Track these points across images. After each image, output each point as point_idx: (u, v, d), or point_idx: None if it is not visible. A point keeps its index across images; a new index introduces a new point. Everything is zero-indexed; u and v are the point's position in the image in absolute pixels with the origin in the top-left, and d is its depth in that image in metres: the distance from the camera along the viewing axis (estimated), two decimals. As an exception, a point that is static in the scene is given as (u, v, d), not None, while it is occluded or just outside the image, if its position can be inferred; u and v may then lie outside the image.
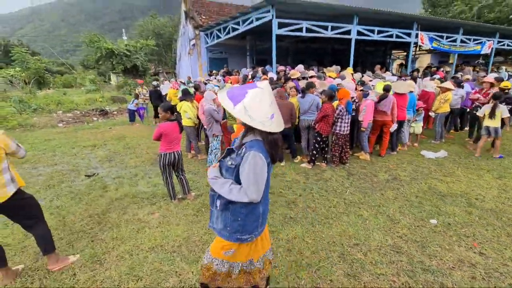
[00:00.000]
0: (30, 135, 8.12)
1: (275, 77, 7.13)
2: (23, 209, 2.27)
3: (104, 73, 28.05)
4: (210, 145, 4.93)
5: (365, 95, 5.24)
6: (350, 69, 8.41)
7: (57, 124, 9.68)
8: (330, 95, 4.75)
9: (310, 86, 5.25)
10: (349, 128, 4.99)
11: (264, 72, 7.46)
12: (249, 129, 1.48)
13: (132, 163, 5.53)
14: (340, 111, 4.68)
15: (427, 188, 4.18)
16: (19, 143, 2.34)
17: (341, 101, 4.74)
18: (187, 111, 5.38)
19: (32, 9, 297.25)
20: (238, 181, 1.48)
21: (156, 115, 9.58)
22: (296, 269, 2.40)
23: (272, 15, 7.15)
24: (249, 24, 8.45)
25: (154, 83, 9.53)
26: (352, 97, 5.24)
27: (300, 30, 7.67)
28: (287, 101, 5.11)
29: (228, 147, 1.56)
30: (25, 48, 17.19)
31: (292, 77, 6.93)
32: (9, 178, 2.18)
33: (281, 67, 7.52)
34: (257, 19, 7.98)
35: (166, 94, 9.26)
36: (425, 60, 23.28)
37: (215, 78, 9.94)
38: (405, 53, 20.26)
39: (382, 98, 5.11)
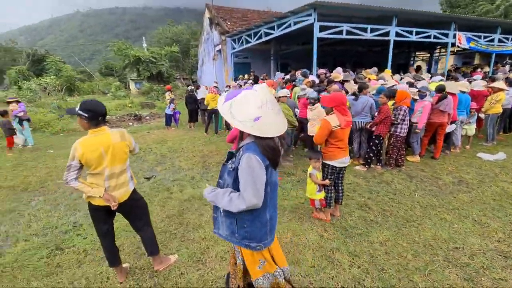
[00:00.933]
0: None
1: (316, 80, 7.11)
2: (138, 209, 2.31)
3: (123, 80, 28.95)
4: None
5: (422, 96, 5.13)
6: (388, 71, 8.28)
7: (96, 129, 9.98)
8: (390, 96, 4.68)
9: (363, 87, 5.20)
10: (407, 130, 4.89)
11: (305, 75, 7.44)
12: (244, 132, 1.43)
13: (184, 166, 5.60)
14: (405, 111, 4.59)
15: (501, 191, 4.02)
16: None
17: (404, 102, 4.65)
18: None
19: (51, 21, 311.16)
20: (237, 184, 1.44)
21: (191, 119, 9.74)
22: (405, 273, 2.34)
23: (314, 19, 7.17)
24: (286, 28, 8.51)
25: (189, 88, 9.71)
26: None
27: (340, 33, 7.64)
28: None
29: (229, 151, 1.53)
30: (58, 57, 17.91)
31: (334, 80, 6.89)
32: (130, 176, 2.24)
33: (322, 70, 7.49)
34: (295, 23, 8.03)
35: (201, 99, 9.43)
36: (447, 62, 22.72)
37: (246, 83, 10.03)
38: (428, 55, 19.82)
39: (442, 98, 4.99)
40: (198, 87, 10.76)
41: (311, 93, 4.77)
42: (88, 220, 3.31)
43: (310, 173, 3.23)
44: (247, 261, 1.62)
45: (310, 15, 7.32)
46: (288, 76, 8.52)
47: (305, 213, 3.48)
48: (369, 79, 7.57)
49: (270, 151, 1.39)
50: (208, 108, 8.49)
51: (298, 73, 8.70)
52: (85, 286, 2.32)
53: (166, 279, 2.33)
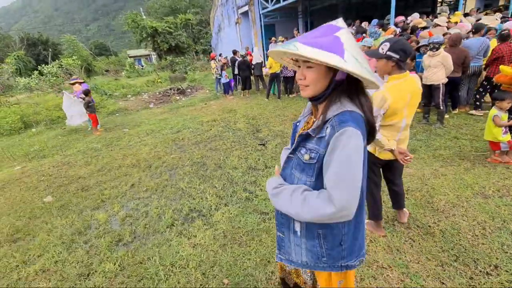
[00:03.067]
0: (137, 117, 8.22)
1: (397, 29, 6.73)
2: (399, 164, 2.25)
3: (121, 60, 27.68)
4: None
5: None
6: (459, 13, 7.86)
7: (149, 106, 9.73)
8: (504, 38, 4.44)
9: (480, 28, 4.91)
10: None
11: (382, 25, 7.04)
12: (336, 93, 0.93)
13: (288, 130, 5.51)
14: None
15: None
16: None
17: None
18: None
19: (23, 2, 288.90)
20: (321, 182, 0.94)
21: (245, 87, 9.44)
22: None
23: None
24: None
25: (242, 52, 9.24)
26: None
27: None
28: (461, 48, 4.82)
29: (301, 133, 0.99)
30: (73, 36, 16.78)
31: (418, 26, 6.52)
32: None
33: (401, 17, 7.04)
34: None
35: (256, 64, 9.04)
36: (468, 5, 21.56)
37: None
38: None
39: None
40: (235, 53, 10.25)
41: (436, 37, 4.50)
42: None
43: (493, 116, 3.15)
44: (321, 283, 1.21)
45: None
46: (352, 29, 8.05)
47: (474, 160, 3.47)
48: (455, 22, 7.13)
49: (372, 116, 0.97)
50: (270, 72, 8.17)
51: (366, 24, 8.24)
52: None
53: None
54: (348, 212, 0.86)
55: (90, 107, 6.79)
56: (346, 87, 0.93)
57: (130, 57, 41.18)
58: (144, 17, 25.04)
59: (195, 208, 3.13)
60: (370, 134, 0.97)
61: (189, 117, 7.53)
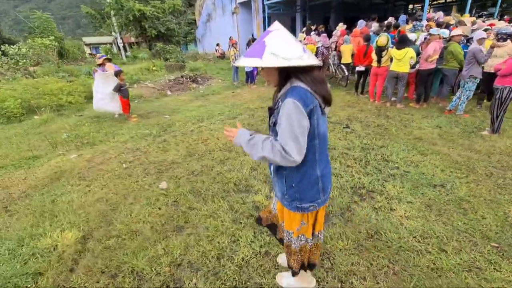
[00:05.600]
0: (165, 104, 7.50)
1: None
2: None
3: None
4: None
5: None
6: (467, 15, 8.81)
7: (167, 93, 8.91)
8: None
9: None
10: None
11: (397, 26, 7.52)
12: (284, 79, 1.24)
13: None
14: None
15: None
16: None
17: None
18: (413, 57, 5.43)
19: None
20: None
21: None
22: None
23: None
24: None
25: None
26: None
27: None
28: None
29: (269, 107, 1.36)
30: (46, 14, 14.14)
31: (449, 23, 7.14)
32: None
33: (431, 14, 7.60)
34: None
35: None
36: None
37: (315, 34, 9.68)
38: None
39: None
40: (253, 40, 10.02)
41: (505, 28, 4.99)
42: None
43: None
44: (286, 219, 1.53)
45: None
46: (373, 25, 8.45)
47: None
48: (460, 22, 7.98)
49: (320, 83, 1.22)
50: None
51: (392, 19, 8.70)
52: None
53: None
54: (290, 158, 1.17)
55: (122, 91, 5.95)
56: (291, 71, 1.19)
57: (86, 44, 37.03)
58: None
59: (355, 185, 3.02)
60: (324, 99, 1.23)
61: (229, 104, 7.13)
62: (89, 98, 8.00)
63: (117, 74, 5.79)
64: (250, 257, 2.09)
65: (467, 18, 8.32)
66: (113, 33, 39.49)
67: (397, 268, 1.91)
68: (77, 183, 3.41)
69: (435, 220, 2.37)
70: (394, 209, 2.55)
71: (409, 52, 5.43)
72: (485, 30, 5.89)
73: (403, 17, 8.34)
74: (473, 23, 7.66)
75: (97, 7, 19.11)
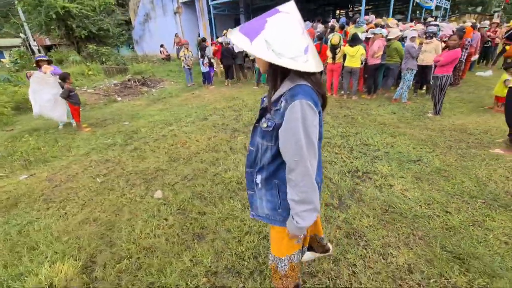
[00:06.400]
0: (117, 111, 6.75)
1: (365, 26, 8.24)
2: None
3: None
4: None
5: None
6: (390, 19, 10.26)
7: (116, 99, 7.98)
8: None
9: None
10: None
11: (343, 27, 8.39)
12: (280, 74, 1.04)
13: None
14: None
15: None
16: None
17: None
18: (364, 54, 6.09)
19: None
20: (278, 146, 1.07)
21: (228, 76, 9.17)
22: None
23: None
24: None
25: (226, 40, 8.83)
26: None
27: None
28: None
29: (261, 107, 1.19)
30: None
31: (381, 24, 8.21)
32: None
33: (367, 17, 8.58)
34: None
35: (238, 53, 8.93)
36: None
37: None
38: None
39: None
40: (204, 40, 9.81)
41: (431, 28, 5.98)
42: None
43: (505, 80, 4.65)
44: (275, 235, 1.29)
45: None
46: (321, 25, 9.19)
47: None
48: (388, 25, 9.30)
49: (321, 88, 1.08)
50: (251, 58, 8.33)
51: (334, 21, 9.51)
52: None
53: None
54: (309, 166, 1.00)
55: (72, 96, 5.16)
56: (286, 68, 0.96)
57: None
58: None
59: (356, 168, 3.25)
60: (324, 100, 1.11)
61: (194, 105, 6.83)
62: (19, 109, 6.71)
63: (64, 78, 4.99)
64: (287, 250, 2.07)
65: (391, 21, 9.72)
66: (21, 34, 33.75)
67: (420, 233, 2.14)
68: (44, 207, 2.81)
69: (429, 189, 2.72)
70: (393, 185, 2.83)
71: (360, 49, 6.06)
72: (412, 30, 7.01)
73: (343, 19, 9.29)
74: (397, 25, 9.03)
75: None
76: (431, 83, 6.20)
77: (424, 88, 6.65)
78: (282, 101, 1.02)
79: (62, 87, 5.18)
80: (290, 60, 0.93)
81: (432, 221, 2.27)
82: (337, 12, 24.47)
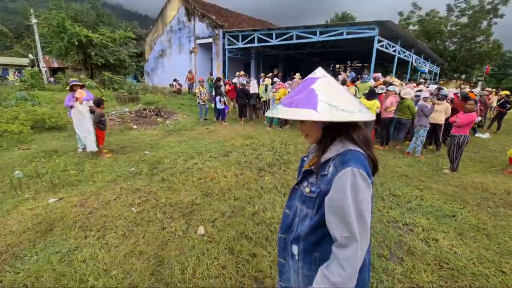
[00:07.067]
0: (135, 139, 6.76)
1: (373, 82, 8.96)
2: None
3: None
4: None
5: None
6: (393, 78, 11.22)
7: (132, 127, 8.03)
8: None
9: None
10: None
11: (354, 81, 9.13)
12: (330, 138, 1.00)
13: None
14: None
15: None
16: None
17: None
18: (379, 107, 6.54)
19: None
20: (321, 216, 0.97)
21: (242, 114, 9.50)
22: None
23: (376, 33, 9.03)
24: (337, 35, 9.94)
25: (243, 81, 9.38)
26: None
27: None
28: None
29: (305, 169, 1.09)
30: None
31: (392, 83, 8.95)
32: None
33: (375, 74, 9.38)
34: (348, 33, 9.65)
35: (253, 93, 9.41)
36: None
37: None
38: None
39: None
40: (219, 80, 10.36)
41: (444, 91, 6.58)
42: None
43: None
44: None
45: (373, 29, 9.09)
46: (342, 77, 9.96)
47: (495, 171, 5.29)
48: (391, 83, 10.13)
49: (371, 146, 1.01)
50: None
51: (345, 75, 10.29)
52: None
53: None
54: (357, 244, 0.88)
55: (102, 122, 5.22)
56: (342, 128, 0.97)
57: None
58: (34, 21, 20.44)
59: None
60: (375, 165, 1.01)
61: (211, 140, 6.92)
62: (33, 127, 6.63)
63: (99, 103, 5.09)
64: None
65: (394, 80, 10.63)
66: (30, 55, 34.60)
67: (484, 293, 2.12)
68: (82, 235, 2.66)
69: (476, 246, 2.75)
70: (437, 239, 2.85)
71: (376, 103, 6.52)
72: (418, 91, 7.68)
73: (352, 73, 10.14)
74: (401, 84, 9.87)
75: (9, 24, 16.76)
76: (447, 141, 6.61)
77: (433, 145, 7.02)
78: (330, 165, 0.96)
79: (91, 112, 5.26)
80: (359, 114, 0.91)
81: (490, 280, 2.26)
82: (337, 66, 26.58)
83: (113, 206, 3.27)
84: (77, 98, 5.18)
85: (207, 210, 3.31)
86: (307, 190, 1.01)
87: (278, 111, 0.96)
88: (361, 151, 0.96)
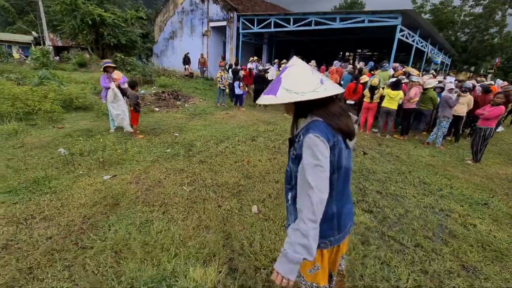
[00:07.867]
0: (161, 121, 6.87)
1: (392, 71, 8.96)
2: None
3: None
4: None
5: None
6: (410, 68, 11.17)
7: (154, 109, 8.12)
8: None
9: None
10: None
11: (372, 70, 9.12)
12: (302, 113, 1.28)
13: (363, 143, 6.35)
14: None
15: None
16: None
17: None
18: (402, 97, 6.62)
19: None
20: None
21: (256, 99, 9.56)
22: None
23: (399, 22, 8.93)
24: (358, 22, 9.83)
25: (260, 67, 9.38)
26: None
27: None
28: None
29: (289, 137, 1.35)
30: None
31: (411, 74, 8.96)
32: None
33: (395, 64, 9.36)
34: (370, 21, 9.54)
35: (271, 80, 9.42)
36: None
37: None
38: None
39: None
40: (236, 64, 10.35)
41: (467, 84, 6.64)
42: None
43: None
44: None
45: (396, 18, 8.99)
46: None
47: None
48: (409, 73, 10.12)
49: (339, 117, 1.20)
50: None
51: (362, 64, 10.25)
52: None
53: None
54: (324, 200, 1.10)
55: (138, 104, 5.33)
56: (308, 105, 1.19)
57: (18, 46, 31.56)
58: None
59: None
60: (342, 133, 1.20)
61: (234, 125, 7.05)
62: (65, 106, 6.73)
63: (134, 85, 5.18)
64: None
65: (411, 70, 10.61)
66: (33, 33, 33.93)
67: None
68: (147, 210, 2.85)
69: (512, 231, 2.96)
70: (475, 224, 3.05)
71: (400, 94, 6.60)
72: (439, 82, 7.72)
73: (371, 63, 10.10)
74: (419, 75, 9.86)
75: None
76: (470, 132, 6.75)
77: (452, 136, 7.15)
78: (300, 134, 1.21)
79: (124, 94, 5.34)
80: (312, 93, 1.11)
81: (535, 261, 2.47)
82: (346, 54, 26.21)
83: (166, 185, 3.45)
84: (113, 79, 5.26)
85: (253, 191, 3.49)
86: (292, 153, 1.27)
87: (261, 100, 1.20)
88: (324, 121, 1.17)
